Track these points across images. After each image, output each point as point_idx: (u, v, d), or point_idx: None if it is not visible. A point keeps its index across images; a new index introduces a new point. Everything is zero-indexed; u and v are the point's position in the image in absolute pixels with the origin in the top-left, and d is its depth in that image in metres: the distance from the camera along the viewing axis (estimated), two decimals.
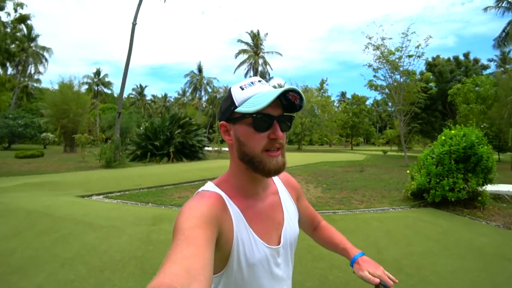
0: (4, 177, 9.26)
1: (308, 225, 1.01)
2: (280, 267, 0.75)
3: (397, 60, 16.05)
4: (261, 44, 35.28)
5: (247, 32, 35.38)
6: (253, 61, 33.79)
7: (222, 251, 0.62)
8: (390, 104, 22.52)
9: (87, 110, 26.73)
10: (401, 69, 16.30)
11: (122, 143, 15.51)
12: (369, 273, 0.81)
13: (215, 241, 0.57)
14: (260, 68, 33.82)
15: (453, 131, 6.05)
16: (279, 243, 0.75)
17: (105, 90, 42.50)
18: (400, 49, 15.76)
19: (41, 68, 33.34)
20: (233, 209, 0.68)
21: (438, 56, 24.85)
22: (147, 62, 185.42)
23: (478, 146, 5.63)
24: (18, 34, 12.02)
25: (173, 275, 0.41)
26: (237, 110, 0.66)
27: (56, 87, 26.57)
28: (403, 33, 15.39)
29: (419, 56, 16.04)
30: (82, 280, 2.64)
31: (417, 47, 15.60)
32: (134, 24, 15.07)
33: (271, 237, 0.74)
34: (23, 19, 13.25)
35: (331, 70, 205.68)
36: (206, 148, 20.88)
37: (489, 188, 6.02)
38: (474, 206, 5.61)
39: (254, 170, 0.68)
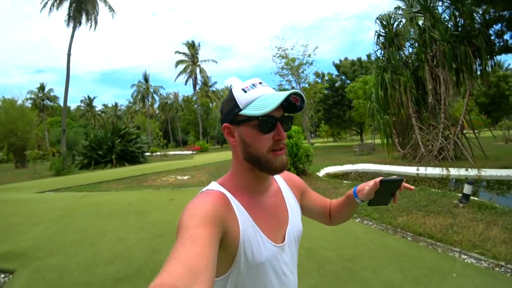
0: None
1: (323, 215, 1.00)
2: (286, 265, 0.75)
3: (295, 67, 20.27)
4: (197, 53, 39.32)
5: (183, 44, 39.46)
6: (190, 70, 37.77)
7: (227, 250, 0.62)
8: None
9: (34, 127, 28.62)
10: (301, 75, 20.79)
11: (70, 154, 18.66)
12: (368, 186, 0.84)
13: (219, 241, 0.57)
14: (198, 77, 37.98)
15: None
16: (283, 241, 0.76)
17: (51, 103, 43.42)
18: (296, 59, 19.93)
19: None
20: (238, 208, 0.69)
21: (345, 59, 29.60)
22: (97, 68, 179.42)
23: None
24: None
25: (176, 274, 0.42)
26: (242, 112, 0.67)
27: None
28: (302, 45, 20.05)
29: (310, 63, 20.37)
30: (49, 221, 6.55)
31: (309, 55, 20.08)
32: (69, 55, 18.19)
33: (276, 235, 0.75)
34: None
35: None
36: (147, 154, 24.35)
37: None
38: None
39: (260, 169, 0.70)
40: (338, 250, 3.58)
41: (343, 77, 26.25)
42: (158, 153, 31.15)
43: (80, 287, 2.94)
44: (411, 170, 11.56)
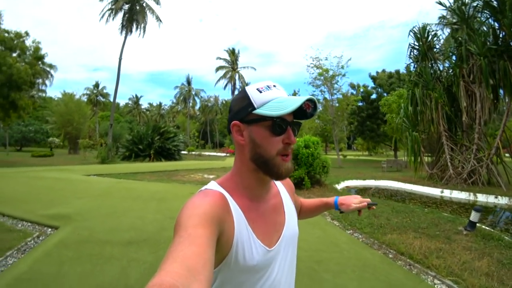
0: (35, 166, 14.61)
1: (301, 212, 1.08)
2: (279, 269, 0.75)
3: (329, 78, 20.22)
4: (237, 60, 41.21)
5: (225, 50, 41.54)
6: (230, 76, 39.66)
7: (220, 251, 0.62)
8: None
9: (87, 119, 32.19)
10: (335, 86, 20.70)
11: (114, 146, 20.89)
12: (355, 204, 1.01)
13: (216, 241, 0.58)
14: (237, 83, 39.64)
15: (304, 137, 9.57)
16: (279, 244, 0.76)
17: (103, 99, 48.20)
18: (330, 70, 19.90)
19: (47, 82, 38.91)
20: (235, 210, 0.68)
21: (383, 71, 28.84)
22: (146, 69, 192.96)
23: (303, 147, 9.11)
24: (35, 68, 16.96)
25: (175, 273, 0.42)
26: (256, 111, 0.67)
27: (59, 95, 31.91)
28: (335, 56, 20.09)
29: (343, 75, 20.27)
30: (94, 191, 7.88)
31: (342, 67, 19.98)
32: (120, 59, 20.49)
33: (271, 239, 0.74)
34: (39, 58, 18.62)
35: None
36: (183, 152, 26.11)
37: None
38: (300, 187, 8.79)
39: (265, 172, 0.70)
40: (312, 252, 3.82)
41: (380, 90, 25.74)
42: (194, 153, 33.09)
43: (102, 243, 3.89)
44: (435, 191, 11.03)
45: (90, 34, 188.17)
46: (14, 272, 3.01)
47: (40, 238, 4.18)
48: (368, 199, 1.02)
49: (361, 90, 24.54)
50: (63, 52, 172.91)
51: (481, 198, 9.83)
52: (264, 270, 0.71)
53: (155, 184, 9.74)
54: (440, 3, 13.96)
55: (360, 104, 24.01)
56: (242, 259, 0.66)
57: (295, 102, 0.65)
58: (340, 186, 11.48)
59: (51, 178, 10.00)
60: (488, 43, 11.65)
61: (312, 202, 1.10)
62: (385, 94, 24.15)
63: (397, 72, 28.68)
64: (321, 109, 24.29)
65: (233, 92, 40.21)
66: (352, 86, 25.39)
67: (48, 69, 40.53)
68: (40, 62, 19.49)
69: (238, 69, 40.67)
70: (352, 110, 21.81)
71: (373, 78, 26.84)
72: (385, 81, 25.67)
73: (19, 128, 32.21)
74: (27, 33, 17.31)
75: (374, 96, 25.54)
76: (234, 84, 39.64)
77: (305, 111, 0.71)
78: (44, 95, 46.01)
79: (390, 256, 3.92)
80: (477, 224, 5.17)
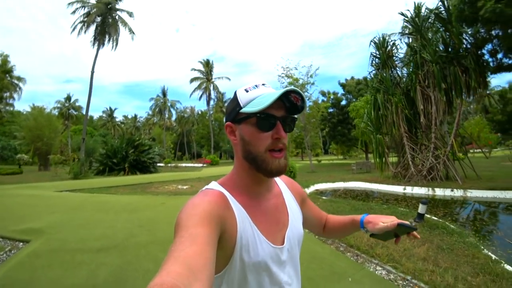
0: (4, 185, 14.29)
1: (317, 226, 1.03)
2: (285, 269, 0.75)
3: (299, 87, 21.05)
4: (211, 71, 41.86)
5: (199, 61, 42.27)
6: (204, 87, 40.22)
7: (224, 249, 0.63)
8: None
9: (58, 134, 31.32)
10: (306, 94, 21.45)
11: (88, 161, 20.61)
12: (383, 222, 0.84)
13: (217, 240, 0.58)
14: (212, 93, 40.33)
15: None
16: (283, 244, 0.76)
17: (75, 113, 47.03)
18: (300, 79, 20.75)
19: (15, 96, 37.60)
20: (237, 207, 0.69)
21: (352, 78, 30.22)
22: (121, 80, 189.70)
23: None
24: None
25: (176, 273, 0.43)
26: (242, 110, 0.70)
27: (28, 108, 30.86)
28: (304, 66, 21.01)
29: (312, 83, 21.13)
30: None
31: (311, 76, 20.87)
32: (92, 73, 20.46)
33: (275, 237, 0.74)
34: (7, 71, 18.28)
35: None
36: (160, 164, 26.04)
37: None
38: None
39: (257, 170, 0.71)
40: None
41: (350, 96, 27.07)
42: (170, 165, 32.99)
43: (74, 251, 4.20)
44: (398, 189, 11.94)
45: (62, 44, 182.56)
46: None
47: (12, 251, 4.41)
48: (403, 221, 0.85)
49: (331, 97, 25.74)
50: (33, 62, 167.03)
51: (439, 192, 10.73)
52: (270, 268, 0.70)
53: (128, 197, 9.94)
54: (402, 14, 15.18)
55: (331, 110, 25.17)
56: (247, 255, 0.66)
57: (274, 95, 0.66)
58: (309, 190, 12.12)
59: (22, 195, 9.95)
60: (439, 51, 12.92)
61: (339, 219, 1.04)
62: (354, 100, 25.40)
63: (365, 78, 29.93)
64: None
65: (208, 102, 40.69)
66: (323, 93, 26.64)
67: (16, 81, 39.27)
68: (8, 75, 19.05)
69: (213, 80, 41.30)
70: (323, 116, 22.79)
71: (343, 85, 28.19)
72: (354, 87, 27.03)
73: None
74: None
75: (344, 102, 26.83)
76: (209, 94, 40.18)
77: (295, 104, 0.71)
78: (11, 109, 44.48)
79: (341, 249, 4.30)
80: (433, 216, 5.81)
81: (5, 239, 4.96)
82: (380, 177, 14.41)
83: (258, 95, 0.70)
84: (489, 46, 12.01)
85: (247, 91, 0.72)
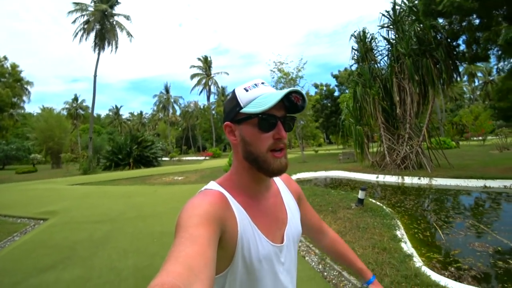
0: (22, 182, 16.39)
1: (311, 229, 1.03)
2: (284, 266, 0.77)
3: (289, 80, 22.18)
4: (210, 67, 43.60)
5: (198, 58, 44.03)
6: (204, 82, 42.08)
7: (225, 249, 0.64)
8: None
9: (68, 133, 33.63)
10: (297, 87, 22.57)
11: (95, 157, 22.65)
12: None
13: (218, 240, 0.59)
14: (212, 88, 42.12)
15: None
16: (282, 242, 0.78)
17: (83, 112, 49.66)
18: (291, 73, 21.88)
19: (25, 99, 40.09)
20: (236, 207, 0.70)
21: (345, 69, 30.21)
22: (127, 77, 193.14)
23: None
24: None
25: (176, 273, 0.44)
26: (243, 111, 0.70)
27: (38, 110, 33.20)
28: (291, 61, 22.13)
29: (301, 77, 22.04)
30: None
31: (299, 70, 21.97)
32: (95, 76, 22.38)
33: (274, 235, 0.76)
34: (18, 80, 20.59)
35: (312, 73, 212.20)
36: (165, 158, 27.98)
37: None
38: None
39: (258, 170, 0.72)
40: None
41: (343, 87, 28.14)
42: (174, 158, 35.02)
43: (79, 223, 5.94)
44: (371, 177, 12.95)
45: (67, 45, 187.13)
46: (21, 241, 5.05)
47: (36, 226, 6.18)
48: None
49: (324, 89, 26.92)
50: (40, 64, 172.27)
51: (408, 180, 11.53)
52: (270, 266, 0.72)
53: (127, 187, 11.73)
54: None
55: (325, 101, 26.37)
56: (248, 254, 0.68)
57: (276, 96, 0.66)
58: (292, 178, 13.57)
59: (39, 189, 11.91)
60: (412, 44, 13.85)
61: (346, 252, 1.06)
62: (347, 91, 26.43)
63: (357, 69, 30.61)
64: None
65: (208, 97, 42.43)
66: (316, 85, 27.78)
67: (25, 86, 41.84)
68: (19, 83, 21.25)
69: (212, 75, 43.03)
70: (315, 108, 24.03)
71: (335, 77, 29.15)
72: (346, 79, 27.73)
73: (1, 147, 33.40)
74: (5, 58, 19.10)
75: (337, 93, 27.92)
76: (209, 90, 41.92)
77: (296, 104, 0.73)
78: (22, 111, 47.26)
79: None
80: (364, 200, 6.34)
81: (30, 219, 6.77)
82: (360, 166, 15.63)
83: (259, 94, 0.71)
84: (463, 37, 12.53)
85: (246, 90, 0.72)
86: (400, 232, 4.52)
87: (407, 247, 3.95)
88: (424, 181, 11.01)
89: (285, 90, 0.67)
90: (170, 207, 7.00)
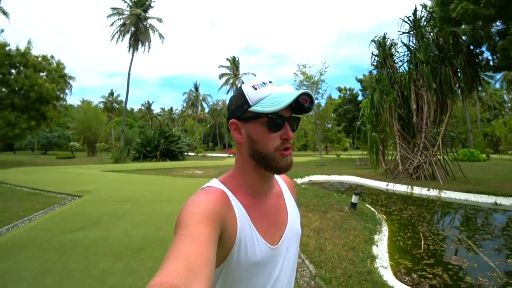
0: (61, 165, 18.49)
1: None
2: (282, 268, 0.76)
3: (312, 84, 22.62)
4: (237, 67, 45.21)
5: (226, 59, 45.70)
6: (231, 82, 43.60)
7: (223, 248, 0.63)
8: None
9: (103, 125, 36.51)
10: (320, 90, 22.94)
11: (127, 149, 24.67)
12: None
13: (218, 239, 0.59)
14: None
15: None
16: (281, 243, 0.77)
17: (117, 106, 53.19)
18: (314, 76, 22.30)
19: (67, 91, 43.95)
20: (237, 207, 0.70)
21: (370, 72, 30.29)
22: (160, 74, 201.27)
23: None
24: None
25: (176, 272, 0.44)
26: (251, 109, 0.68)
27: (78, 102, 36.66)
28: (314, 65, 22.51)
29: (322, 81, 22.50)
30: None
31: (321, 74, 22.35)
32: (129, 75, 24.32)
33: (273, 237, 0.75)
34: (63, 76, 23.17)
35: (343, 75, 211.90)
36: (191, 153, 29.67)
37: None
38: None
39: (265, 168, 0.72)
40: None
41: (367, 92, 27.96)
42: (199, 154, 36.76)
43: (105, 201, 7.17)
44: (381, 185, 12.97)
45: (105, 42, 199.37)
46: (60, 210, 6.33)
47: (72, 200, 7.50)
48: None
49: (347, 93, 26.99)
50: (80, 60, 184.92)
51: (416, 190, 11.27)
52: (266, 268, 0.72)
53: (151, 177, 13.08)
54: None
55: (348, 106, 26.46)
56: (244, 255, 0.67)
57: (289, 97, 0.66)
58: (303, 180, 14.13)
59: (75, 173, 13.65)
60: (432, 51, 13.67)
61: None
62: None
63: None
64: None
65: None
66: (339, 89, 27.89)
67: (68, 80, 45.81)
68: (63, 79, 23.74)
69: (240, 76, 44.45)
70: (337, 112, 24.24)
71: (360, 81, 28.99)
72: (370, 83, 27.47)
73: (45, 134, 37.01)
74: (52, 57, 21.54)
75: (361, 98, 27.81)
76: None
77: (302, 105, 0.72)
78: (64, 103, 51.64)
79: None
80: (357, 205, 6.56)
81: (68, 195, 8.15)
82: (374, 173, 15.74)
83: (268, 94, 0.70)
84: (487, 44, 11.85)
85: (255, 88, 0.71)
86: (378, 237, 4.68)
87: (378, 250, 4.12)
88: (433, 192, 10.79)
89: (297, 92, 0.68)
90: (183, 196, 8.03)
